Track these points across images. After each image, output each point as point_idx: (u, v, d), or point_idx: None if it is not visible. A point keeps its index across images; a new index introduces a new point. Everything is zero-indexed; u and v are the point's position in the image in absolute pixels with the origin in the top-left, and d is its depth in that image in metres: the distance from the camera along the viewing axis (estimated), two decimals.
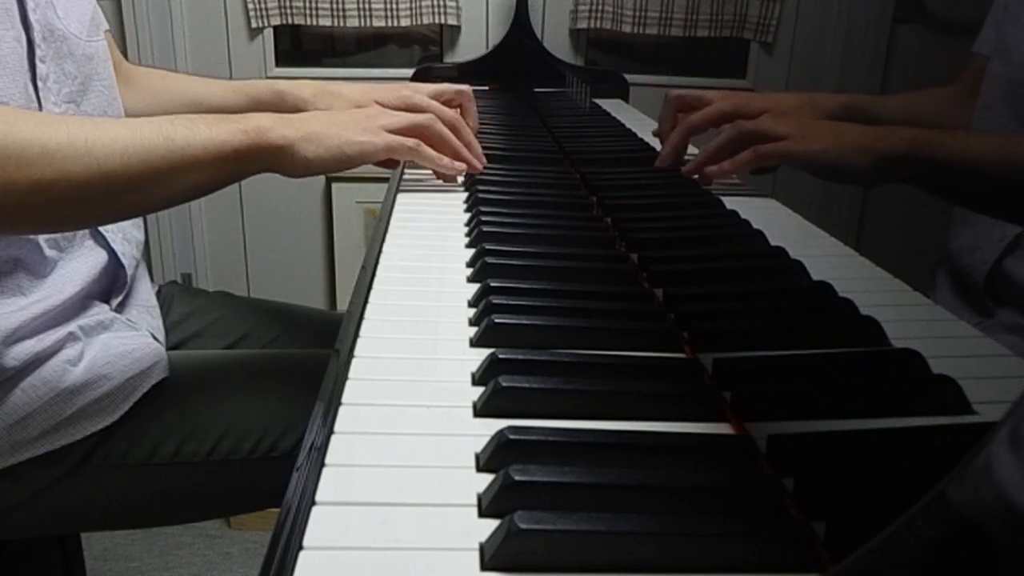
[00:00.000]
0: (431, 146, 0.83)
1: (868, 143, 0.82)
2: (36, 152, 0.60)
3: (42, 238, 0.73)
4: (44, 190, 0.61)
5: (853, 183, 0.86)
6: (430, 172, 0.90)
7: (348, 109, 0.96)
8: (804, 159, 0.83)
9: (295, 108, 0.98)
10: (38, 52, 0.74)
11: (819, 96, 1.08)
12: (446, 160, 0.84)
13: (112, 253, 0.81)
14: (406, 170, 0.97)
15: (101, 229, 0.80)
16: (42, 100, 0.74)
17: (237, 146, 0.69)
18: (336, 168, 0.76)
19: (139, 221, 0.89)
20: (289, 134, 0.72)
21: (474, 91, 1.11)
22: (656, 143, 1.14)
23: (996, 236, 0.96)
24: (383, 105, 0.95)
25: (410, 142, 0.79)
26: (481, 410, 0.46)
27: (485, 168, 0.92)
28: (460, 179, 0.91)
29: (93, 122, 0.66)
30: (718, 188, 0.92)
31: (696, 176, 0.92)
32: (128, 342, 0.78)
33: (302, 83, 1.01)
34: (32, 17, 0.73)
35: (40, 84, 0.74)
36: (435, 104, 0.90)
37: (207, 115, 0.71)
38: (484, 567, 0.34)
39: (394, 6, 1.91)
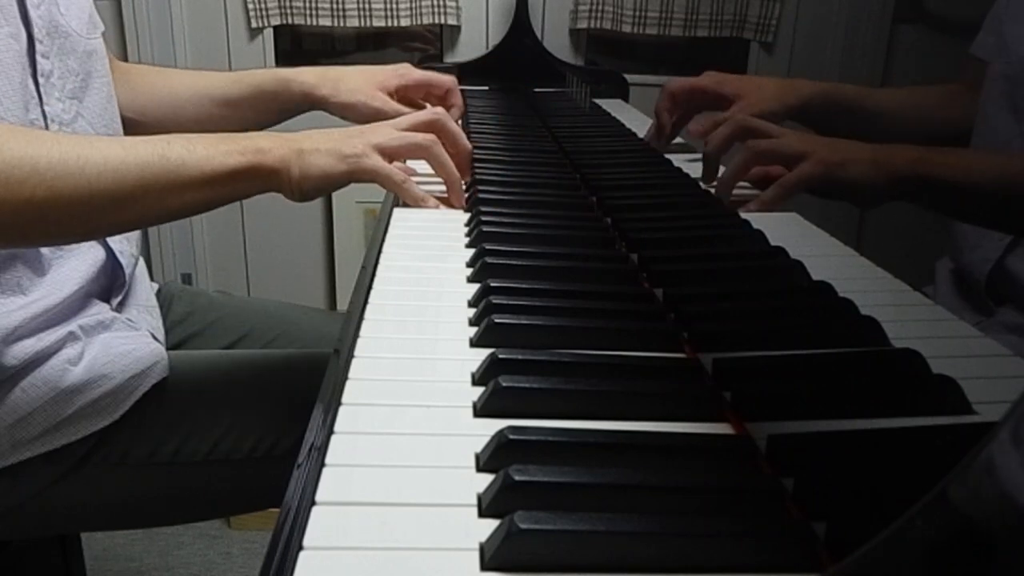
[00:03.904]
0: (430, 163, 0.82)
1: (879, 158, 0.81)
2: (27, 170, 0.60)
3: None
4: (36, 207, 0.61)
5: (861, 200, 0.85)
6: (430, 174, 0.90)
7: (347, 100, 0.98)
8: (823, 178, 0.82)
9: (301, 93, 0.99)
10: (40, 48, 0.74)
11: (799, 81, 1.10)
12: (432, 202, 0.81)
13: (110, 251, 0.81)
14: None
15: None
16: (44, 96, 0.74)
17: (234, 167, 0.69)
18: (331, 189, 0.75)
19: None
20: (287, 155, 0.71)
21: (474, 91, 1.12)
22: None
23: (997, 234, 0.96)
24: (385, 88, 1.00)
25: (398, 176, 0.77)
26: (481, 410, 0.46)
27: (485, 168, 0.91)
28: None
29: (87, 140, 0.66)
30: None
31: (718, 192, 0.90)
32: (128, 342, 0.78)
33: (304, 69, 1.01)
34: (34, 13, 0.73)
35: (42, 80, 0.74)
36: (441, 113, 0.85)
37: (207, 135, 0.70)
38: (484, 567, 0.34)
39: (394, 6, 1.91)
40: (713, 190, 0.90)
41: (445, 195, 0.84)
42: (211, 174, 0.68)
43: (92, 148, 0.64)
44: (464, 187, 0.85)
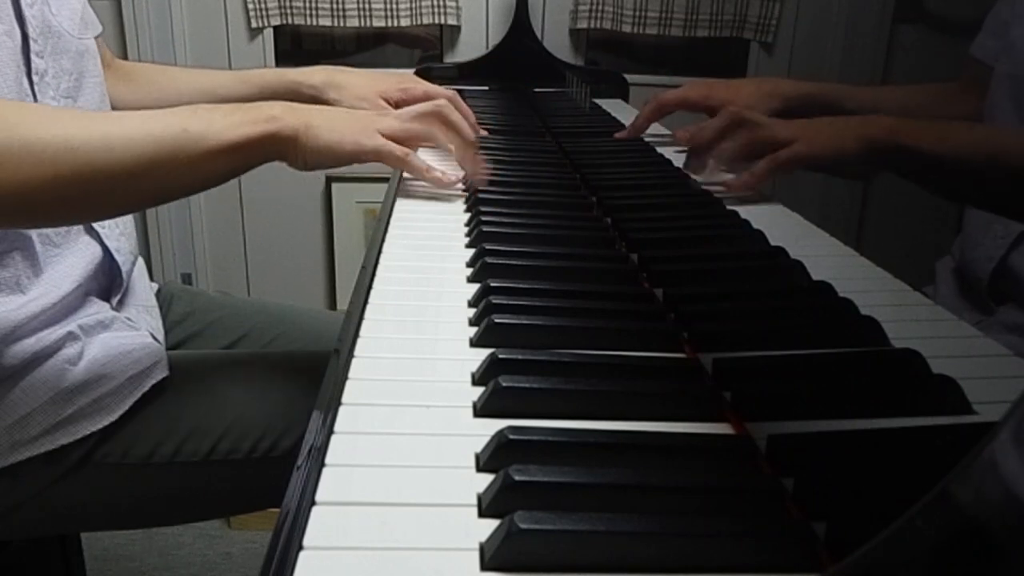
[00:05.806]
0: (441, 131, 0.84)
1: (854, 128, 0.85)
2: (59, 147, 0.61)
3: (34, 234, 0.73)
4: (64, 185, 0.61)
5: (843, 172, 0.89)
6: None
7: (352, 104, 1.00)
8: (815, 159, 0.85)
9: (311, 97, 1.01)
10: (34, 47, 0.74)
11: (782, 83, 1.13)
12: (436, 172, 0.84)
13: (106, 250, 0.81)
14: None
15: (94, 224, 0.80)
16: (38, 95, 0.74)
17: (251, 135, 0.69)
18: (332, 164, 0.76)
19: (131, 218, 0.89)
20: (297, 125, 0.72)
21: (474, 91, 1.12)
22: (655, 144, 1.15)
23: (999, 232, 0.96)
24: (386, 97, 1.02)
25: (399, 151, 0.78)
26: (481, 410, 0.46)
27: (485, 168, 0.91)
28: (460, 185, 0.90)
29: (107, 116, 0.67)
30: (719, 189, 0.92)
31: (709, 183, 0.92)
32: (128, 342, 0.78)
33: (312, 71, 1.03)
34: (28, 12, 0.73)
35: (36, 79, 0.74)
36: (443, 104, 0.89)
37: (221, 105, 0.71)
38: (484, 567, 0.34)
39: (394, 6, 1.90)
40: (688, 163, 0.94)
41: (448, 184, 0.86)
42: (230, 143, 0.68)
43: (116, 124, 0.65)
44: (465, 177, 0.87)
